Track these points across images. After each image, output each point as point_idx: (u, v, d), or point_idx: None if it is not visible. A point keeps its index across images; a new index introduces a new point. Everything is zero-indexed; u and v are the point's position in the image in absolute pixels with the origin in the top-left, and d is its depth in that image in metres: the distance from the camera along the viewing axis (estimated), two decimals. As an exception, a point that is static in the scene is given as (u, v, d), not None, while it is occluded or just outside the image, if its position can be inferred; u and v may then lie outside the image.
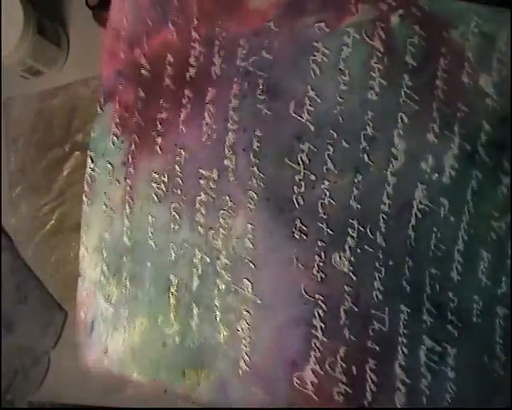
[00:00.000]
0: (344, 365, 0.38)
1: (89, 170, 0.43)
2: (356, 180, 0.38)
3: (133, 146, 0.42)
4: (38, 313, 0.54)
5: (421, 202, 0.38)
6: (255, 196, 0.38)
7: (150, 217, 0.41)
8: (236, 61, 0.40)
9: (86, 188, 0.43)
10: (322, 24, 0.38)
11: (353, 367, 0.38)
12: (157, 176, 0.41)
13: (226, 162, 0.39)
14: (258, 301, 0.39)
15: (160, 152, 0.41)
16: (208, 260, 0.40)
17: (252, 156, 0.39)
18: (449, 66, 0.37)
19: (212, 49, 0.40)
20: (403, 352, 0.38)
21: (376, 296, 0.38)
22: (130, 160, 0.42)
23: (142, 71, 0.42)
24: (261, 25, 0.39)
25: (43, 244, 0.56)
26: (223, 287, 0.39)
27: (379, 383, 0.38)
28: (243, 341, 0.39)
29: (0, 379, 0.53)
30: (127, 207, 0.42)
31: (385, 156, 0.38)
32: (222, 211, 0.39)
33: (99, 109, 0.43)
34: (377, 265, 0.38)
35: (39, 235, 0.56)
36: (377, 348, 0.38)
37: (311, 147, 0.38)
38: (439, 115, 0.37)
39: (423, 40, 0.37)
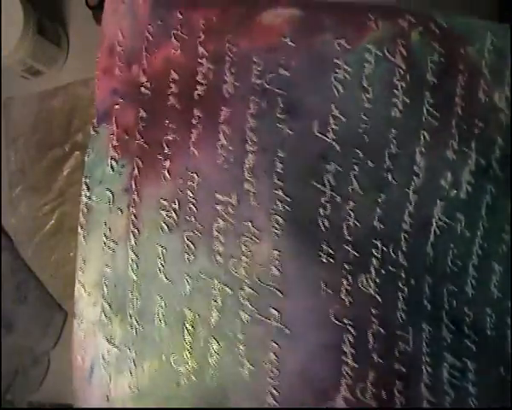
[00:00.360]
0: (374, 389, 0.37)
1: (84, 198, 0.39)
2: (379, 200, 0.37)
3: (136, 171, 0.38)
4: (38, 313, 0.54)
5: (439, 219, 0.38)
6: (281, 220, 0.37)
7: (160, 248, 0.38)
8: (251, 79, 0.37)
9: (82, 218, 0.39)
10: (343, 40, 0.37)
11: (383, 391, 0.37)
12: (166, 203, 0.38)
13: (246, 186, 0.37)
14: (287, 331, 0.37)
15: (168, 177, 0.38)
16: (229, 291, 0.37)
17: (275, 179, 0.37)
18: (466, 82, 0.37)
19: (222, 65, 0.38)
20: (427, 371, 0.38)
21: (401, 317, 0.38)
22: (134, 186, 0.38)
23: (142, 89, 0.39)
24: (276, 40, 0.37)
25: (43, 244, 0.56)
26: (247, 318, 0.37)
27: (406, 404, 0.37)
28: (270, 374, 0.37)
29: (0, 379, 0.53)
30: (132, 238, 0.38)
31: (407, 174, 0.37)
32: (244, 238, 0.37)
33: (92, 131, 0.39)
34: (400, 285, 0.38)
35: (39, 235, 0.56)
36: (403, 370, 0.37)
37: (337, 167, 0.37)
38: (457, 132, 0.37)
39: (442, 57, 0.37)
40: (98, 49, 0.39)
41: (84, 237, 0.39)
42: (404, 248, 0.38)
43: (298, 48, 0.37)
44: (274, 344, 0.37)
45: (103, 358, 0.38)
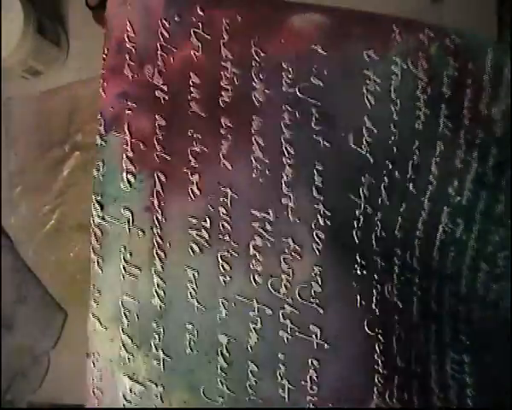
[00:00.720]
0: (398, 392, 0.39)
1: (97, 219, 0.34)
2: (401, 209, 0.39)
3: (159, 186, 0.35)
4: (38, 313, 0.55)
5: (446, 225, 0.41)
6: (322, 235, 0.36)
7: (190, 271, 0.35)
8: (283, 87, 0.36)
9: (95, 243, 0.34)
10: (371, 51, 0.37)
11: (405, 393, 0.39)
12: (196, 221, 0.35)
13: (284, 201, 0.36)
14: (326, 346, 0.36)
15: (198, 193, 0.35)
16: (269, 311, 0.36)
17: (315, 193, 0.36)
18: (472, 95, 0.40)
19: (249, 71, 0.36)
20: (435, 369, 0.41)
21: (416, 320, 0.40)
22: (157, 203, 0.35)
23: (158, 93, 0.35)
24: (306, 47, 0.36)
25: (43, 244, 0.57)
26: (287, 338, 0.36)
27: (422, 403, 0.40)
28: (310, 391, 0.36)
29: (0, 379, 0.53)
30: (157, 262, 0.35)
31: (424, 183, 0.39)
32: (284, 255, 0.36)
33: (100, 141, 0.34)
34: (415, 289, 0.40)
35: (39, 235, 0.57)
36: (418, 370, 0.40)
37: (371, 179, 0.37)
38: (464, 142, 0.40)
39: (456, 71, 0.39)
40: (103, 46, 0.34)
41: (98, 263, 0.34)
42: (417, 254, 0.40)
43: (329, 57, 0.36)
44: (314, 361, 0.36)
45: (125, 397, 0.35)
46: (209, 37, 0.35)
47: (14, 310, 0.55)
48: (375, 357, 0.38)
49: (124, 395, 0.35)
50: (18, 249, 0.56)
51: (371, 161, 0.37)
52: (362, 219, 0.37)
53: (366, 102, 0.37)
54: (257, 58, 0.36)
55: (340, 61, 0.37)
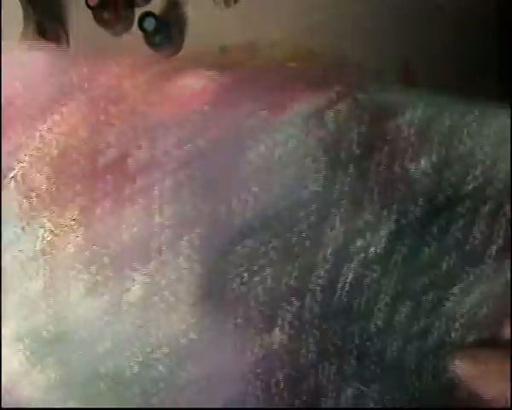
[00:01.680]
0: None
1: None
2: (296, 264, 0.40)
3: (48, 235, 0.40)
4: None
5: (355, 271, 0.42)
6: (200, 292, 0.40)
7: (78, 309, 0.41)
8: (166, 148, 0.38)
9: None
10: (265, 112, 0.37)
11: None
12: (82, 267, 0.40)
13: (163, 258, 0.39)
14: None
15: (83, 243, 0.40)
16: (149, 349, 0.41)
17: (193, 253, 0.39)
18: (386, 153, 0.39)
19: (133, 131, 0.38)
20: (333, 399, 0.44)
21: (312, 357, 0.43)
22: (48, 249, 0.40)
23: (47, 149, 0.38)
24: (193, 108, 0.37)
25: None
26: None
27: None
28: None
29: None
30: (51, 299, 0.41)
31: (325, 239, 0.40)
32: (161, 306, 0.40)
33: (-5, 192, 0.39)
34: (313, 330, 0.43)
35: None
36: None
37: (256, 242, 0.39)
38: (377, 198, 0.40)
39: (367, 128, 0.38)
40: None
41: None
42: (318, 299, 0.42)
43: (218, 117, 0.37)
44: None
45: None
46: (93, 96, 0.37)
47: (15, 310, 0.61)
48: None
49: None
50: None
51: (256, 224, 0.39)
52: (247, 275, 0.40)
53: (254, 166, 0.38)
54: (141, 118, 0.37)
55: (230, 122, 0.37)
